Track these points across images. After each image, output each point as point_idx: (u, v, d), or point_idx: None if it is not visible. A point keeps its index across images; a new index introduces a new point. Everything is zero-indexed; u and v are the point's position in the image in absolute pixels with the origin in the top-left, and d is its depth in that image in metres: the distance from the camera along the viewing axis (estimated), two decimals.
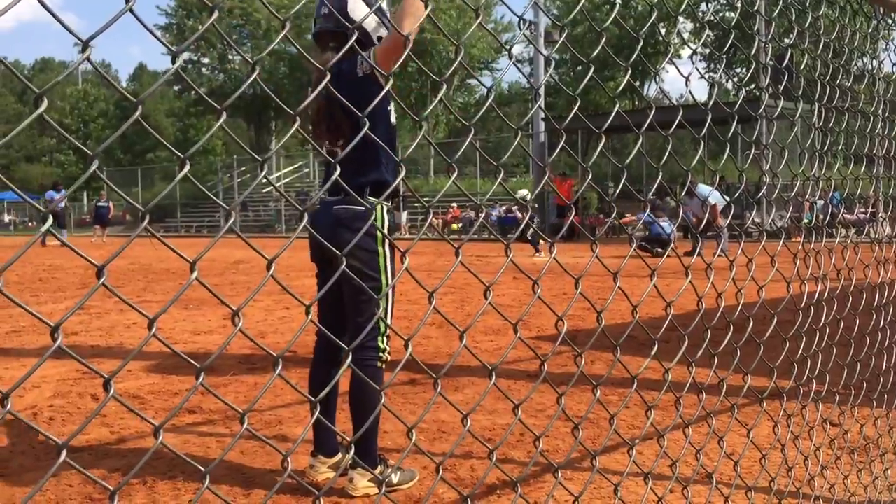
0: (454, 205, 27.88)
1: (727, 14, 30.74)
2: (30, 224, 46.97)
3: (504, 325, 6.49)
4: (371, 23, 2.77)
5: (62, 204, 23.75)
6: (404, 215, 26.78)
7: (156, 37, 0.86)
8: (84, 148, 0.80)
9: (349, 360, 1.05)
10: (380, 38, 2.80)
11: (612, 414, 1.34)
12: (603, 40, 1.30)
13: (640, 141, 1.39)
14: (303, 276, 11.49)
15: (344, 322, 2.83)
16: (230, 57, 45.26)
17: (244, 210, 35.78)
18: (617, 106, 1.35)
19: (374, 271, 2.77)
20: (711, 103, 1.56)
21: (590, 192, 24.74)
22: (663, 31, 32.21)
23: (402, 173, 1.09)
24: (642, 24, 34.87)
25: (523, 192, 21.23)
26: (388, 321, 2.82)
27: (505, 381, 4.50)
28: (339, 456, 3.05)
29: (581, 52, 34.33)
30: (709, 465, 2.93)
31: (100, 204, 27.35)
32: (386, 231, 2.82)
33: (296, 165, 38.67)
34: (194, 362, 0.87)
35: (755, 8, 1.75)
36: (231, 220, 0.86)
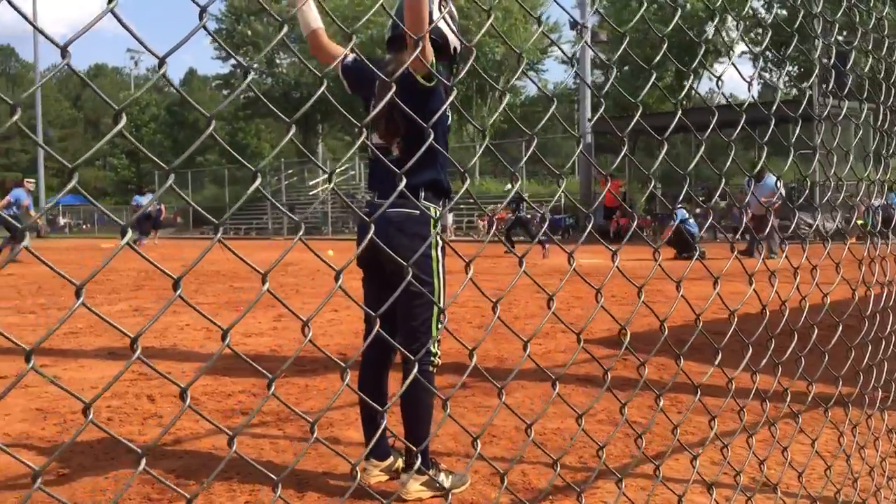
0: (499, 207, 27.80)
1: (778, 12, 30.13)
2: (84, 227, 48.12)
3: (552, 328, 6.46)
4: (450, 32, 2.77)
5: (150, 208, 23.88)
6: (450, 217, 26.80)
7: (234, 56, 0.87)
8: (160, 163, 0.82)
9: (416, 369, 1.05)
10: (455, 49, 2.82)
11: (676, 424, 1.32)
12: (664, 47, 1.28)
13: (703, 147, 1.37)
14: (350, 279, 11.58)
15: (393, 325, 2.82)
16: (277, 61, 45.81)
17: (290, 212, 36.21)
18: (679, 113, 1.33)
19: (427, 276, 2.76)
20: (775, 106, 1.53)
21: (635, 193, 24.51)
22: (711, 31, 31.72)
23: (468, 182, 1.09)
24: (691, 23, 34.32)
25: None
26: (440, 326, 2.84)
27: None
28: (391, 459, 3.06)
29: (630, 50, 33.77)
30: (769, 475, 2.87)
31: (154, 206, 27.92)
32: (438, 234, 2.82)
33: (341, 168, 38.95)
34: (266, 373, 0.88)
35: (818, 10, 1.71)
36: (301, 233, 0.87)
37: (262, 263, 1.13)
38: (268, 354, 5.55)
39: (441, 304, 2.80)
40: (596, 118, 20.32)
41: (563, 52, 1.12)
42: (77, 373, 4.96)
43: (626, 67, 35.51)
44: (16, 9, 0.71)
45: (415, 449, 1.15)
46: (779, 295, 1.52)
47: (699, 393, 1.37)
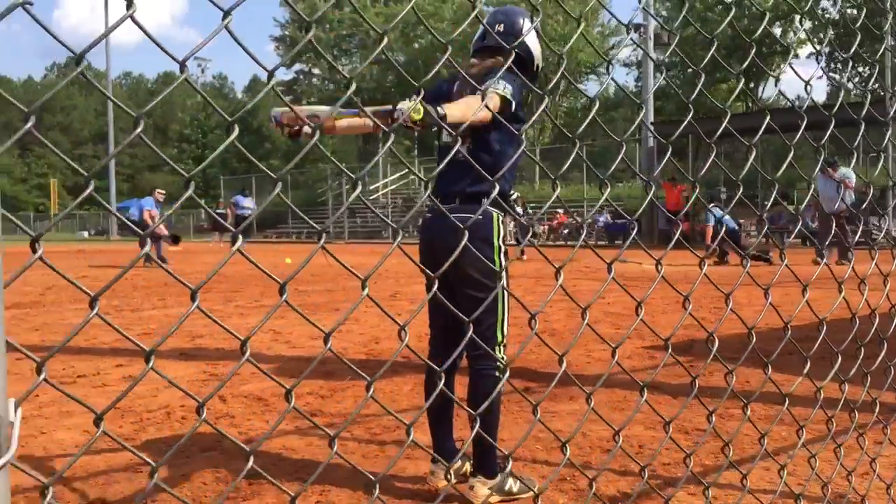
0: (560, 211, 27.65)
1: (849, 12, 29.37)
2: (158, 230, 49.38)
3: (616, 333, 6.40)
4: (536, 48, 2.91)
5: (249, 211, 23.00)
6: (511, 222, 26.73)
7: (335, 66, 0.90)
8: (269, 171, 0.85)
9: (506, 375, 1.06)
10: (537, 67, 2.95)
11: (763, 433, 1.31)
12: (752, 52, 1.27)
13: (791, 155, 1.35)
14: (412, 282, 11.64)
15: (458, 331, 2.81)
16: (339, 67, 46.44)
17: (351, 216, 36.57)
18: (768, 118, 1.31)
19: (491, 280, 2.74)
20: (865, 110, 1.50)
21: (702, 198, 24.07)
22: (779, 31, 31.02)
23: (558, 190, 1.10)
24: (756, 25, 33.67)
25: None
26: (505, 331, 2.85)
27: (621, 391, 4.43)
28: (459, 463, 3.08)
29: (693, 53, 33.46)
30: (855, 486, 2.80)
31: (218, 211, 28.61)
32: (501, 239, 2.82)
33: (402, 172, 39.21)
34: (366, 375, 0.90)
35: None
36: (398, 239, 0.89)
37: (324, 266, 1.15)
38: (333, 358, 5.61)
39: (505, 310, 2.82)
40: (684, 123, 20.02)
41: (652, 59, 1.12)
42: (151, 372, 5.08)
43: (690, 70, 34.98)
44: (141, 27, 0.74)
45: (504, 452, 1.16)
46: (868, 304, 1.49)
47: (787, 402, 1.35)
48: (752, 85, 34.36)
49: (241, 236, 0.81)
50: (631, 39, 1.13)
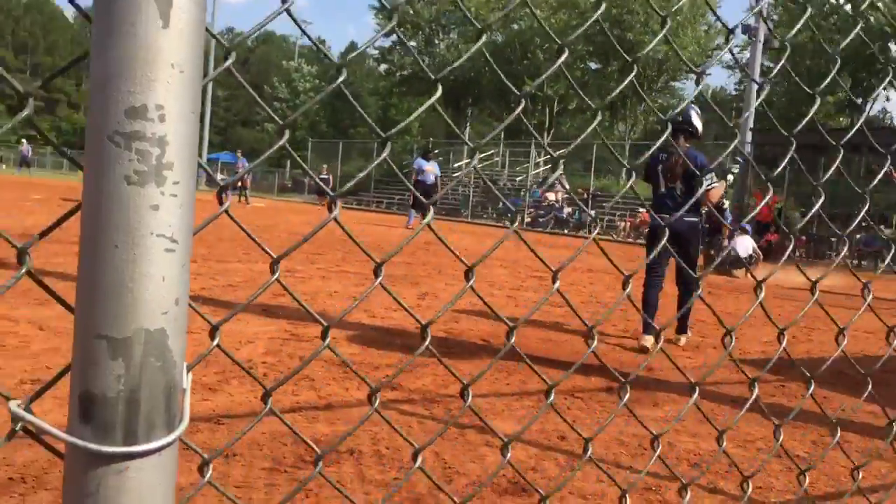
0: (641, 209, 27.11)
1: None
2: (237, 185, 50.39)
3: (702, 341, 6.20)
4: (700, 124, 6.02)
5: (432, 177, 19.23)
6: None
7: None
8: (379, 131, 0.77)
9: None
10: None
11: (857, 465, 1.17)
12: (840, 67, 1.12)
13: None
14: (487, 266, 11.53)
15: (677, 271, 5.81)
16: (436, 41, 46.44)
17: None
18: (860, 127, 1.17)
19: (698, 251, 6.16)
20: None
21: (791, 211, 23.25)
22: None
23: (633, 179, 0.98)
24: (871, 37, 32.13)
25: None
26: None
27: (708, 404, 4.26)
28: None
29: (801, 61, 32.17)
30: None
31: (322, 176, 30.19)
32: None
33: (487, 153, 39.03)
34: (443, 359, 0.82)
35: None
36: (514, 225, 0.80)
37: (402, 239, 1.06)
38: (412, 331, 5.57)
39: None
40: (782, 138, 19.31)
41: (755, 81, 1.00)
42: (235, 325, 5.10)
43: (794, 79, 33.57)
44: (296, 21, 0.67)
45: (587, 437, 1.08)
46: None
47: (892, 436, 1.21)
48: (860, 100, 32.85)
49: (431, 208, 0.73)
50: (729, 51, 1.00)
